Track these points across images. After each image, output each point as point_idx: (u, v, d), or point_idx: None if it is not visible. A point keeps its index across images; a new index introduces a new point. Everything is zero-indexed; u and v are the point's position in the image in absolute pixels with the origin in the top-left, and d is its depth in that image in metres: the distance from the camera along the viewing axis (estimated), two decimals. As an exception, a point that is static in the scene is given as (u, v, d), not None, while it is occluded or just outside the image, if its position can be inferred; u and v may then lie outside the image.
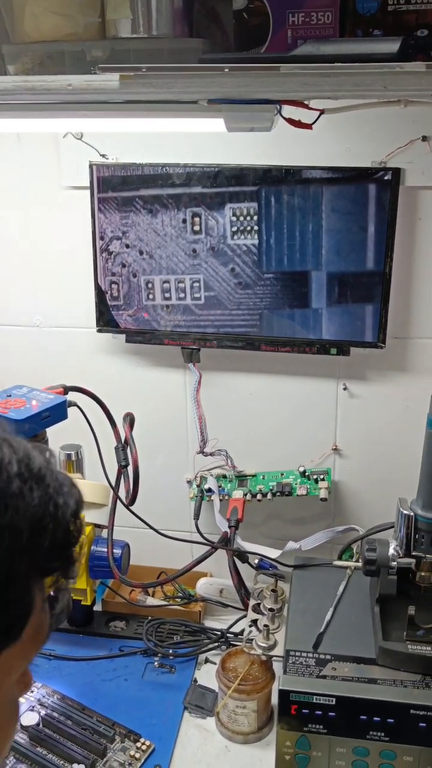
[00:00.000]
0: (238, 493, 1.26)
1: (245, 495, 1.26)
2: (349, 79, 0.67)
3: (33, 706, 1.12)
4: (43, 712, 1.10)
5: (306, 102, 0.76)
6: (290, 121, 0.79)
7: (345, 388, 1.21)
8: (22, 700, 1.13)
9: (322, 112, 0.80)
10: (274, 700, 1.08)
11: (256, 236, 1.12)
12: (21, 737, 1.07)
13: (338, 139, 1.07)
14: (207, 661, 1.23)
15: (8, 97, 0.80)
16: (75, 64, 0.91)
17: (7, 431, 0.51)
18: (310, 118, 0.81)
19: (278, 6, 0.80)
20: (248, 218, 1.11)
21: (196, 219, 1.13)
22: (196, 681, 1.18)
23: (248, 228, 1.11)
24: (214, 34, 0.99)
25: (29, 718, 1.08)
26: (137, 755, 1.05)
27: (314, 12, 0.79)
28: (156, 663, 1.22)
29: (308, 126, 0.80)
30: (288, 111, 0.79)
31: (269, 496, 1.25)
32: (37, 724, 1.08)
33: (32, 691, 1.15)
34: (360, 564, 1.13)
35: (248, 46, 0.83)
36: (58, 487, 0.51)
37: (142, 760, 1.04)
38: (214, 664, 1.19)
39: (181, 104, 0.77)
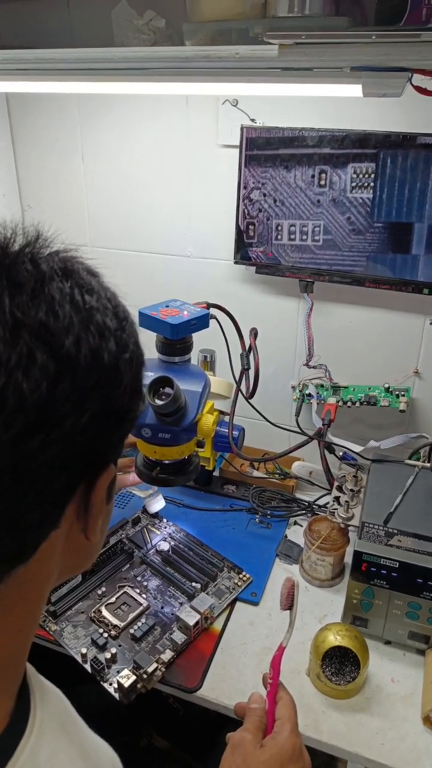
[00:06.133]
0: (332, 400, 1.24)
1: (338, 401, 1.23)
2: None
3: (165, 538, 1.17)
4: (172, 543, 1.15)
5: (435, 71, 0.69)
6: (418, 89, 0.72)
7: (431, 323, 1.15)
8: (156, 531, 1.19)
9: (448, 81, 0.71)
10: (347, 559, 1.08)
11: (371, 191, 1.05)
12: (156, 559, 1.12)
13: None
14: (296, 523, 1.24)
15: (186, 63, 0.77)
16: (239, 39, 0.86)
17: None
18: (436, 87, 0.73)
19: (418, -14, 0.72)
20: (366, 176, 1.04)
21: (323, 175, 1.07)
22: (286, 536, 1.20)
23: (365, 184, 1.04)
24: (356, 14, 0.91)
25: (162, 546, 1.13)
26: (239, 583, 1.08)
27: (451, -9, 0.71)
28: (257, 519, 1.24)
29: (433, 93, 0.73)
30: (417, 80, 0.71)
31: (357, 404, 1.22)
32: (168, 551, 1.12)
33: (165, 528, 1.20)
34: (426, 464, 1.11)
35: (386, 23, 0.76)
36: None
37: (243, 587, 1.08)
38: (301, 526, 1.21)
39: (327, 70, 0.71)
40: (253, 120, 1.10)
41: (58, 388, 0.39)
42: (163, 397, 0.90)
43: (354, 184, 1.06)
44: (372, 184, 1.04)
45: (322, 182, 1.08)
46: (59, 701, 0.50)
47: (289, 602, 0.72)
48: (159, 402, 0.89)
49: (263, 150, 1.09)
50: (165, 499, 1.27)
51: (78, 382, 0.40)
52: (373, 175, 1.04)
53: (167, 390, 0.90)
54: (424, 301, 1.12)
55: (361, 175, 1.05)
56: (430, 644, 0.94)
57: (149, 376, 0.92)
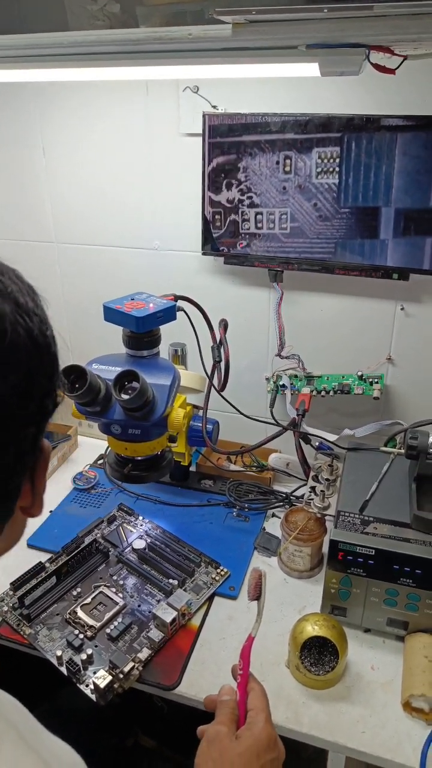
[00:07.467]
0: (306, 390, 1.22)
1: (312, 391, 1.22)
2: (434, 23, 0.59)
3: (141, 535, 1.15)
4: (148, 540, 1.13)
5: (392, 48, 0.67)
6: (376, 67, 0.70)
7: (402, 309, 1.14)
8: (132, 529, 1.16)
9: (405, 58, 0.70)
10: (325, 548, 1.07)
11: (336, 176, 1.03)
12: (132, 557, 1.10)
13: (416, 88, 0.96)
14: (273, 515, 1.23)
15: (139, 46, 0.75)
16: (195, 21, 0.84)
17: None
18: (394, 64, 0.71)
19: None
20: (331, 160, 1.02)
21: (288, 161, 1.05)
22: (264, 529, 1.19)
23: (331, 169, 1.03)
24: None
25: (138, 544, 1.11)
26: (216, 578, 1.07)
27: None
28: (234, 513, 1.23)
29: (392, 71, 0.71)
30: (376, 58, 0.70)
31: (331, 393, 1.21)
32: (144, 549, 1.10)
33: (141, 525, 1.18)
34: (401, 451, 1.10)
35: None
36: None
37: (220, 582, 1.06)
38: (279, 517, 1.19)
39: (283, 50, 0.69)
40: (214, 107, 1.07)
41: (8, 382, 0.37)
42: (129, 391, 0.88)
43: (319, 170, 1.04)
44: (337, 168, 1.03)
45: (287, 168, 1.06)
46: (15, 709, 0.48)
47: (256, 592, 0.71)
48: (125, 396, 0.87)
49: (226, 137, 1.07)
50: (140, 496, 1.25)
51: (24, 370, 0.38)
52: (338, 160, 1.02)
53: (133, 384, 0.88)
54: (395, 286, 1.11)
55: (326, 160, 1.03)
56: (408, 630, 0.93)
57: (115, 371, 0.90)
